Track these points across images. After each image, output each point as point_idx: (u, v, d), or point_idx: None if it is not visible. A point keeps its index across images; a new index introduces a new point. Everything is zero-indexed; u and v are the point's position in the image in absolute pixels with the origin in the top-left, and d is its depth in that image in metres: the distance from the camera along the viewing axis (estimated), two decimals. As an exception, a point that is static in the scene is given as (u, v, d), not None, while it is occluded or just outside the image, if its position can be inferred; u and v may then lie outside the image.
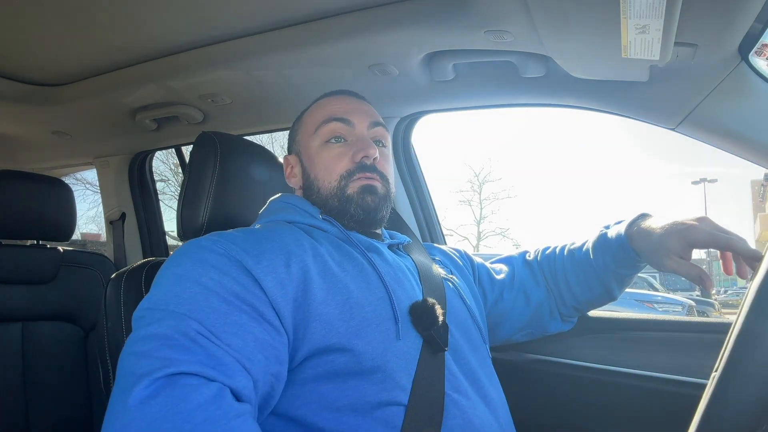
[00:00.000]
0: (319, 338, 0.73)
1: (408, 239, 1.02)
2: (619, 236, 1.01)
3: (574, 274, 1.09)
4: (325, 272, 0.78)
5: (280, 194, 1.00)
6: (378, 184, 0.91)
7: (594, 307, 1.14)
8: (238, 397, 0.64)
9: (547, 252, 1.16)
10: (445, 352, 0.81)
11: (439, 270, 0.96)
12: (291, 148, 1.03)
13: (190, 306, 0.67)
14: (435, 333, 0.80)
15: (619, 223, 1.05)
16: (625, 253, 1.00)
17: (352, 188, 0.90)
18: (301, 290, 0.75)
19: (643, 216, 1.01)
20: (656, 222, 0.96)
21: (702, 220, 0.91)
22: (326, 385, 0.73)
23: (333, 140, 0.93)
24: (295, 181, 1.00)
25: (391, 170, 0.97)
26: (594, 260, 1.05)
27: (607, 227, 1.07)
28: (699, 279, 0.88)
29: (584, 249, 1.08)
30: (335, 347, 0.73)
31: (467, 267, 1.11)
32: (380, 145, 0.96)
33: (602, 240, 1.05)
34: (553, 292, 1.12)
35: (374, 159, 0.91)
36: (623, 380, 1.15)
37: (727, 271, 0.87)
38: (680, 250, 0.90)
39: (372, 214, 0.90)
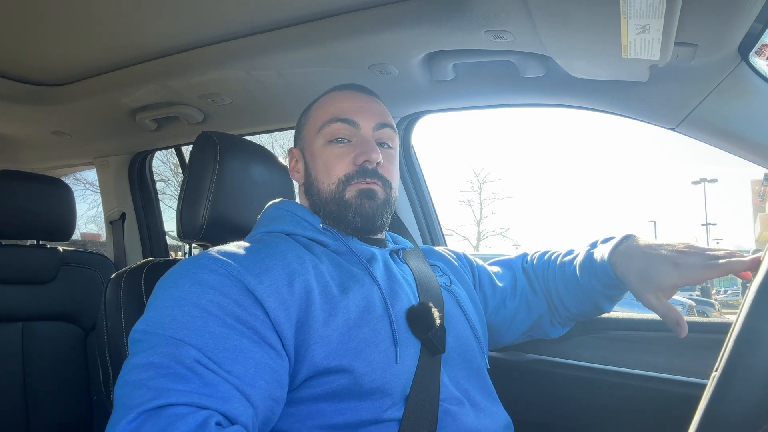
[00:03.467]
0: (320, 360, 0.72)
1: (410, 244, 1.01)
2: (603, 262, 0.96)
3: (565, 289, 1.05)
4: (326, 293, 0.77)
5: (279, 200, 0.98)
6: (378, 189, 0.88)
7: (588, 318, 1.12)
8: (233, 423, 0.63)
9: (544, 258, 1.13)
10: (438, 364, 0.80)
11: (437, 279, 0.95)
12: (296, 142, 1.00)
13: (188, 331, 0.66)
14: (432, 336, 0.80)
15: (607, 241, 1.01)
16: (609, 279, 0.95)
17: (350, 192, 0.87)
18: (303, 311, 0.74)
19: (627, 239, 0.97)
20: (641, 250, 0.92)
21: (689, 253, 0.86)
22: (323, 404, 0.73)
23: (336, 141, 0.90)
24: (298, 177, 0.97)
25: (395, 173, 0.94)
26: (581, 281, 1.01)
27: (594, 245, 1.03)
28: (676, 324, 0.85)
29: (573, 266, 1.04)
30: (336, 369, 0.72)
31: (466, 271, 1.10)
32: (386, 146, 0.93)
33: (588, 262, 1.00)
34: (549, 302, 1.10)
35: (377, 164, 0.88)
36: (623, 380, 1.15)
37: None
38: (669, 289, 0.87)
39: (370, 221, 0.88)
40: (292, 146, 1.01)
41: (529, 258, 1.16)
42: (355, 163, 0.88)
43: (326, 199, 0.89)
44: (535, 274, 1.12)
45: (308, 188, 0.94)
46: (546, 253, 1.15)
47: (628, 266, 0.92)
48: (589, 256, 1.01)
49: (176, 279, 0.72)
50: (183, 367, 0.63)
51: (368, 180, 0.88)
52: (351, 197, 0.87)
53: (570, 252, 1.09)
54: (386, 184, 0.90)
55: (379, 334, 0.77)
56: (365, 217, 0.87)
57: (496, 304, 1.09)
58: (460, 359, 0.87)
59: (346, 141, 0.90)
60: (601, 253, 0.98)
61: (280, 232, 0.89)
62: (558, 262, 1.09)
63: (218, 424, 0.61)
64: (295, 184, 1.03)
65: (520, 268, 1.14)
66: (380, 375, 0.74)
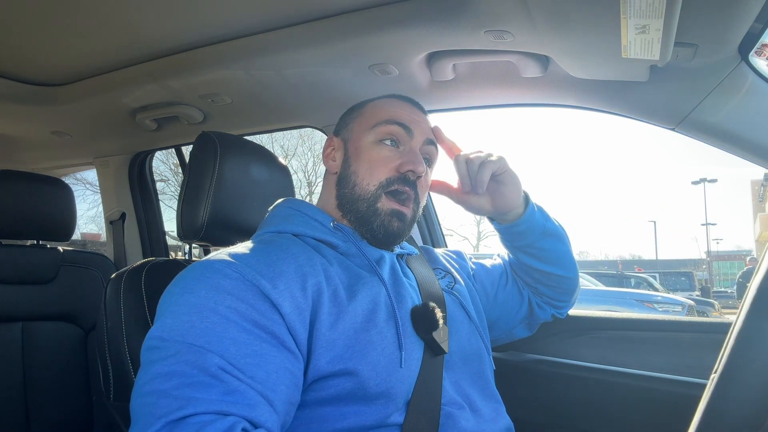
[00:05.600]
0: (324, 365, 0.72)
1: (416, 251, 1.02)
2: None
3: (515, 265, 1.14)
4: (335, 297, 0.77)
5: (287, 198, 0.98)
6: (408, 211, 0.90)
7: (550, 290, 1.13)
8: (258, 428, 0.63)
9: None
10: (440, 367, 0.81)
11: (439, 283, 0.96)
12: (339, 131, 0.99)
13: (209, 338, 0.65)
14: (436, 336, 0.80)
15: None
16: (498, 229, 1.08)
17: (383, 205, 0.88)
18: (313, 314, 0.74)
19: None
20: None
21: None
22: (327, 408, 0.73)
23: (387, 141, 0.91)
24: (332, 165, 0.96)
25: (426, 190, 0.96)
26: (506, 248, 1.13)
27: None
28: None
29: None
30: (340, 372, 0.73)
31: (465, 269, 1.12)
32: (427, 164, 0.94)
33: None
34: (528, 282, 1.15)
35: (418, 177, 0.89)
36: (623, 380, 1.15)
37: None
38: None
39: (392, 239, 0.90)
40: (331, 135, 1.00)
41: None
42: (398, 170, 0.89)
43: (359, 196, 0.89)
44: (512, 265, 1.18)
45: (342, 179, 0.93)
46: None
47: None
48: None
49: (191, 284, 0.72)
50: (207, 375, 0.63)
51: (406, 189, 0.89)
52: (382, 209, 0.88)
53: None
54: (416, 203, 0.92)
55: (385, 338, 0.77)
56: (389, 234, 0.89)
57: (494, 291, 1.11)
58: (462, 362, 0.87)
59: (395, 144, 0.91)
60: None
61: (288, 232, 0.88)
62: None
63: (244, 430, 0.61)
64: (297, 184, 1.03)
65: (506, 260, 1.19)
66: (385, 379, 0.74)
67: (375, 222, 0.88)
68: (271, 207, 0.97)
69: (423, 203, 0.95)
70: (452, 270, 1.06)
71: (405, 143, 0.91)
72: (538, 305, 1.14)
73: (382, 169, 0.89)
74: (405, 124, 0.91)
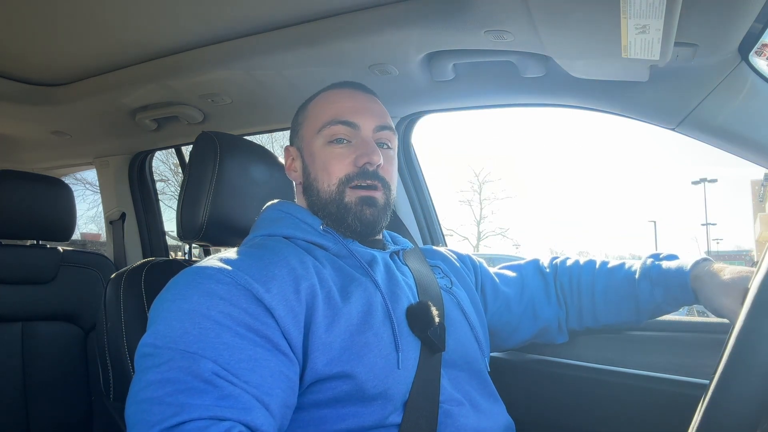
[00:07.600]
0: (321, 367, 0.72)
1: (409, 245, 1.01)
2: (680, 272, 0.96)
3: (604, 296, 1.05)
4: (329, 299, 0.77)
5: (277, 201, 0.97)
6: (378, 195, 0.88)
7: (608, 329, 1.11)
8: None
9: (569, 264, 1.12)
10: (438, 365, 0.80)
11: (437, 281, 0.95)
12: (293, 140, 0.99)
13: (202, 344, 0.65)
14: (432, 334, 0.80)
15: (672, 258, 1.01)
16: (680, 292, 0.95)
17: (351, 197, 0.87)
18: (308, 317, 0.74)
19: (707, 260, 0.95)
20: (725, 267, 0.91)
21: None
22: (325, 410, 0.73)
23: (336, 141, 0.89)
24: (295, 176, 0.97)
25: (394, 174, 0.94)
26: (639, 288, 1.01)
27: (656, 257, 1.03)
28: None
29: (627, 274, 1.04)
30: (338, 375, 0.73)
31: (468, 272, 1.09)
32: (385, 147, 0.93)
33: (657, 271, 1.00)
34: (570, 309, 1.09)
35: (377, 165, 0.88)
36: (623, 380, 1.15)
37: None
38: None
39: (370, 227, 0.88)
40: (288, 144, 1.01)
41: (548, 263, 1.14)
42: (355, 165, 0.88)
43: (326, 200, 0.89)
44: (557, 280, 1.11)
45: (307, 188, 0.93)
46: (567, 259, 1.14)
47: (711, 279, 0.91)
48: (657, 266, 1.01)
49: (184, 290, 0.71)
50: (201, 381, 0.63)
51: (369, 182, 0.88)
52: (351, 202, 0.87)
53: (607, 261, 1.09)
54: (386, 186, 0.90)
55: (382, 339, 0.77)
56: (365, 223, 0.88)
57: (498, 307, 1.08)
58: (460, 361, 0.86)
59: (346, 141, 0.90)
60: (678, 264, 0.98)
61: (279, 235, 0.88)
62: (597, 269, 1.08)
63: None
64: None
65: (531, 273, 1.13)
66: (383, 380, 0.74)
67: (348, 217, 0.87)
68: (262, 210, 0.97)
69: (394, 187, 0.93)
70: (453, 270, 1.05)
71: (355, 137, 0.90)
72: (559, 329, 1.10)
73: (338, 167, 0.88)
74: (348, 120, 0.89)
